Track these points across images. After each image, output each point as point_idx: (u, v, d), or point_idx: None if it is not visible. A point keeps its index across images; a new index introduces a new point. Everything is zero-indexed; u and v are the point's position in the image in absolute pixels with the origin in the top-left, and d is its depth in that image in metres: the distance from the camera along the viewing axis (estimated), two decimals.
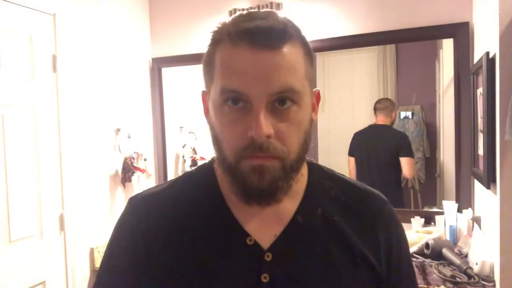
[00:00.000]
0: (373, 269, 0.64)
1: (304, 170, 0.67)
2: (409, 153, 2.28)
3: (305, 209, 0.64)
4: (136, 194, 0.70)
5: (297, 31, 0.59)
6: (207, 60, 0.60)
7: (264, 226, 0.62)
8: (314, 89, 0.64)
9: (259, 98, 0.54)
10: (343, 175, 0.72)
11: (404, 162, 2.28)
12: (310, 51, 0.61)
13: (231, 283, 0.60)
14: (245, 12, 0.60)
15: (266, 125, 0.53)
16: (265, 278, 0.59)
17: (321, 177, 0.69)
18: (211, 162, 0.69)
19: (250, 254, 0.60)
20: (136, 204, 0.68)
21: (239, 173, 0.57)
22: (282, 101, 0.55)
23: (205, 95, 0.64)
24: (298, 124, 0.58)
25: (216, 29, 0.60)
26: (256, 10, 0.61)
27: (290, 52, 0.56)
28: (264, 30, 0.54)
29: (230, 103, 0.56)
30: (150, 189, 0.71)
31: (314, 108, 0.65)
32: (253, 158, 0.55)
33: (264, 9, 0.61)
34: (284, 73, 0.55)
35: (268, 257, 0.60)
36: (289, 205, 0.64)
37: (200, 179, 0.69)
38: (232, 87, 0.55)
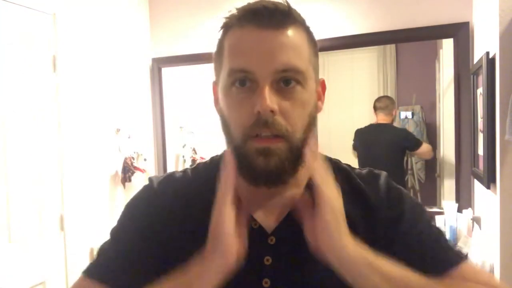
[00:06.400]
0: (379, 250, 0.63)
1: None
2: (419, 143, 2.29)
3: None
4: (155, 177, 0.73)
5: (303, 19, 0.62)
6: (217, 49, 0.63)
7: (269, 213, 0.64)
8: (320, 78, 0.66)
9: (264, 75, 0.56)
10: (348, 164, 0.73)
11: (422, 151, 2.30)
12: (315, 41, 0.64)
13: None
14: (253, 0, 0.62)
15: (271, 100, 0.55)
16: (267, 260, 0.62)
17: (326, 166, 0.69)
18: (222, 155, 0.71)
19: (254, 237, 0.62)
20: (156, 182, 0.71)
21: (245, 154, 0.59)
22: (286, 81, 0.57)
23: (215, 84, 0.66)
24: (303, 104, 0.59)
25: (226, 17, 0.62)
26: None
27: (294, 34, 0.58)
28: (269, 10, 0.57)
29: (238, 84, 0.58)
30: (168, 173, 0.75)
31: (320, 97, 0.66)
32: (259, 140, 0.57)
33: None
34: (288, 52, 0.57)
35: (272, 241, 0.62)
36: (294, 193, 0.65)
37: (212, 169, 0.70)
38: (238, 66, 0.57)
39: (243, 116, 0.58)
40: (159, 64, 2.66)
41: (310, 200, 0.64)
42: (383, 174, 0.71)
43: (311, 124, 0.62)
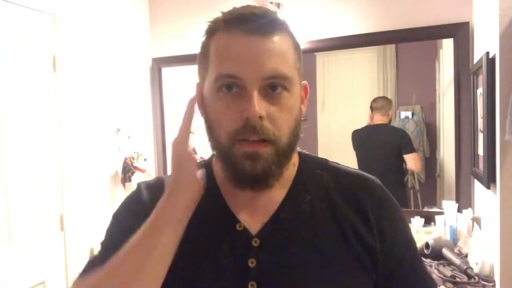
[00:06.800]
0: (367, 252, 0.63)
1: (296, 160, 0.69)
2: (412, 149, 2.29)
3: (293, 197, 0.66)
4: (145, 180, 0.75)
5: (287, 26, 0.62)
6: (202, 51, 0.63)
7: (254, 215, 0.64)
8: (302, 82, 0.66)
9: (252, 81, 0.57)
10: (336, 163, 0.73)
11: (409, 158, 2.29)
12: (299, 46, 0.64)
13: (220, 267, 0.61)
14: (240, 6, 0.63)
15: (259, 105, 0.56)
16: (252, 263, 0.61)
17: (312, 166, 0.70)
18: (210, 158, 0.72)
19: (238, 239, 0.62)
20: (144, 186, 0.72)
21: (232, 157, 0.59)
22: (273, 87, 0.58)
23: (199, 87, 0.67)
24: (289, 109, 0.60)
25: (211, 21, 0.63)
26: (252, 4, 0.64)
27: (281, 40, 0.59)
28: (257, 17, 0.58)
29: (225, 89, 0.59)
30: (157, 177, 0.75)
31: (303, 100, 0.67)
32: (246, 144, 0.58)
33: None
34: (275, 59, 0.58)
35: (256, 243, 0.62)
36: (279, 194, 0.65)
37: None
38: (226, 71, 0.58)
39: (230, 120, 0.58)
40: (159, 64, 2.66)
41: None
42: (376, 179, 0.71)
43: (297, 128, 0.62)
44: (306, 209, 0.65)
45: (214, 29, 0.61)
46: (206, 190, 0.66)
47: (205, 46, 0.63)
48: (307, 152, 0.72)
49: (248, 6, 0.60)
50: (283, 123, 0.59)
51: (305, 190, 0.66)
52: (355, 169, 0.73)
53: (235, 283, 0.60)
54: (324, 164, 0.71)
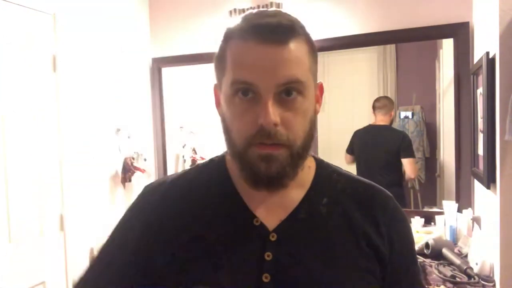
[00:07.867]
0: (378, 258, 0.66)
1: (312, 163, 0.72)
2: (411, 154, 2.29)
3: (311, 198, 0.68)
4: (151, 182, 0.75)
5: (303, 29, 0.63)
6: (219, 55, 0.64)
7: (271, 212, 0.66)
8: (317, 82, 0.68)
9: (267, 89, 0.58)
10: (348, 171, 0.75)
11: (406, 162, 2.29)
12: (314, 48, 0.65)
13: (237, 261, 0.63)
14: (255, 10, 0.64)
15: (273, 113, 0.57)
16: (268, 256, 0.63)
17: (329, 171, 0.73)
18: (223, 155, 0.73)
19: (256, 234, 0.64)
20: (151, 191, 0.73)
21: (247, 159, 0.61)
22: (288, 92, 0.59)
23: (216, 88, 0.68)
24: (303, 113, 0.61)
25: (229, 26, 0.63)
26: (266, 9, 0.64)
27: (296, 47, 0.60)
28: (273, 27, 0.58)
29: (241, 94, 0.60)
30: (164, 177, 0.76)
31: (318, 100, 0.68)
32: (261, 146, 0.59)
33: (273, 8, 0.65)
34: (290, 66, 0.58)
35: (273, 237, 0.64)
36: (296, 194, 0.67)
37: (212, 170, 0.73)
38: (242, 78, 0.59)
39: (245, 125, 0.60)
40: (159, 64, 2.66)
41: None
42: (387, 192, 0.74)
43: (312, 129, 0.64)
44: (322, 211, 0.67)
45: (230, 35, 0.62)
46: (222, 187, 0.68)
47: (222, 51, 0.63)
48: (320, 157, 0.74)
49: (263, 15, 0.61)
50: (298, 128, 0.61)
51: (323, 193, 0.69)
52: (365, 179, 0.75)
53: (250, 274, 0.62)
54: (339, 171, 0.74)
